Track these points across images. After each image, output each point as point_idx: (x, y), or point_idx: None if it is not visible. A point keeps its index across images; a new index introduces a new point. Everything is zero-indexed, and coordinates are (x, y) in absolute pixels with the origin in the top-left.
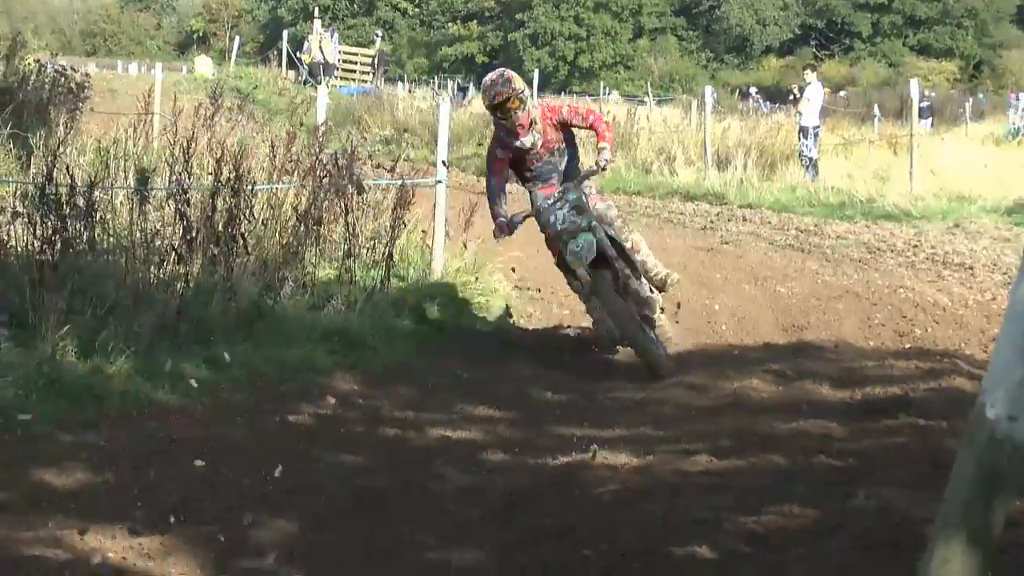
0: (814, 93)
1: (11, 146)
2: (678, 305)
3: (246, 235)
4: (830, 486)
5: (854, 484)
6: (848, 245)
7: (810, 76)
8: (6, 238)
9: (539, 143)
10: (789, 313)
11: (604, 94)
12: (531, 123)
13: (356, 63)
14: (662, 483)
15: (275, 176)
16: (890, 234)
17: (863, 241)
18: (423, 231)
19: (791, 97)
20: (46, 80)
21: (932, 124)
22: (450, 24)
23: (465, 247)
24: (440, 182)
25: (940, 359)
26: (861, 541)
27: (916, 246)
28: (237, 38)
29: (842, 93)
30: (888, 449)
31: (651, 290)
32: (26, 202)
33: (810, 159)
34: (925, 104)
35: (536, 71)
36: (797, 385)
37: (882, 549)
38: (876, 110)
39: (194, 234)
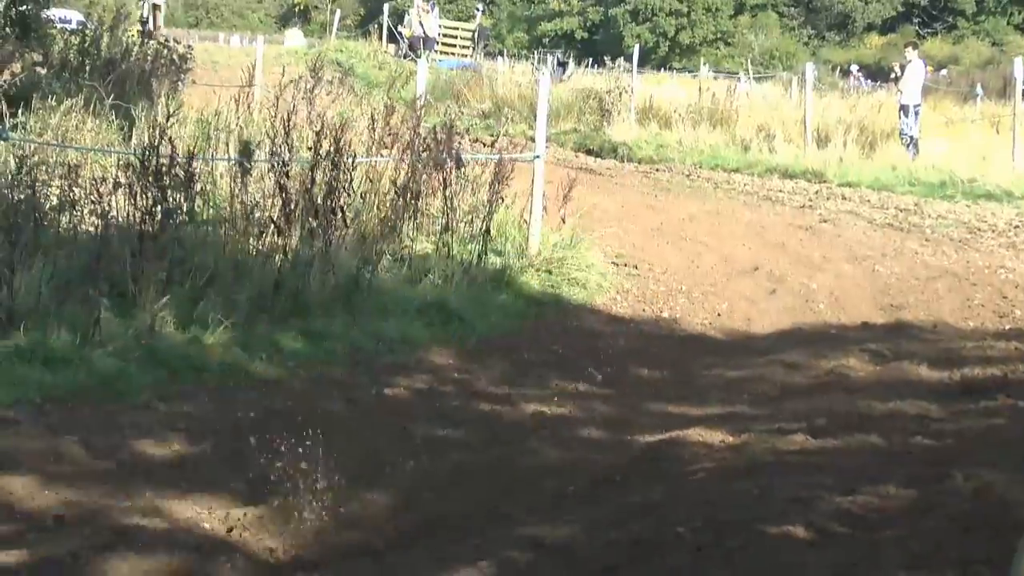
0: (915, 71)
1: (114, 117)
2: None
3: (345, 208)
4: (927, 467)
5: (951, 465)
6: (948, 225)
7: (911, 54)
8: (107, 208)
9: None
10: (887, 293)
11: (703, 72)
12: None
13: (456, 37)
14: (757, 461)
15: (374, 149)
16: (991, 214)
17: (963, 221)
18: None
19: (892, 75)
20: (149, 52)
21: None
22: None
23: (563, 222)
24: (538, 157)
25: None
26: (958, 522)
27: (1017, 227)
28: (338, 11)
29: (943, 72)
30: (986, 431)
31: None
32: (128, 173)
33: (911, 138)
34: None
35: (636, 47)
36: (895, 365)
37: (979, 531)
38: (979, 89)
39: (293, 207)
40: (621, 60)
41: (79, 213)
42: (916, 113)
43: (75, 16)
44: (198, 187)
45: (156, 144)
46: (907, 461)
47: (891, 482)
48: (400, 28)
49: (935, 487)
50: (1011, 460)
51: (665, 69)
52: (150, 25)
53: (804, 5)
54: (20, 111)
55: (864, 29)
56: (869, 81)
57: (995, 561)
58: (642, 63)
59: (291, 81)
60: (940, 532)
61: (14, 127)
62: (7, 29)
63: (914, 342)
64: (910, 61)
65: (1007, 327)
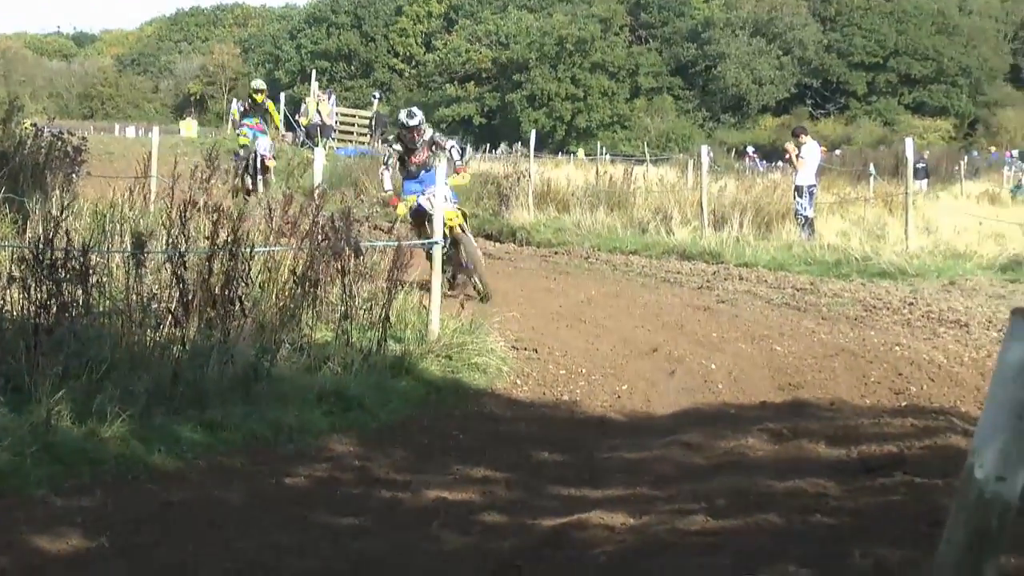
0: (809, 152)
1: (7, 210)
2: (675, 365)
3: (243, 298)
4: (826, 545)
5: (850, 543)
6: (844, 303)
7: (792, 146)
8: (1, 302)
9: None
10: (785, 372)
11: (601, 154)
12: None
13: (353, 125)
14: (658, 543)
15: (272, 239)
16: (886, 292)
17: (859, 299)
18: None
19: (786, 156)
20: (43, 144)
21: (928, 184)
22: (447, 85)
23: (462, 307)
24: (437, 243)
25: (936, 417)
26: None
27: (912, 304)
28: (235, 100)
29: (837, 152)
30: (884, 508)
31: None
32: (22, 266)
33: (806, 218)
34: (921, 165)
35: (533, 131)
36: (793, 444)
37: None
38: (872, 168)
39: (191, 297)
40: (519, 145)
41: None
42: (811, 194)
43: None
44: (94, 280)
45: (51, 237)
46: (806, 540)
47: (790, 561)
48: (297, 116)
49: (834, 565)
50: (909, 537)
51: (562, 152)
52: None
53: (699, 88)
54: None
55: (759, 111)
56: (764, 162)
57: None
58: (540, 147)
59: (190, 171)
60: None
61: None
62: None
63: (812, 420)
64: (797, 149)
65: (903, 404)
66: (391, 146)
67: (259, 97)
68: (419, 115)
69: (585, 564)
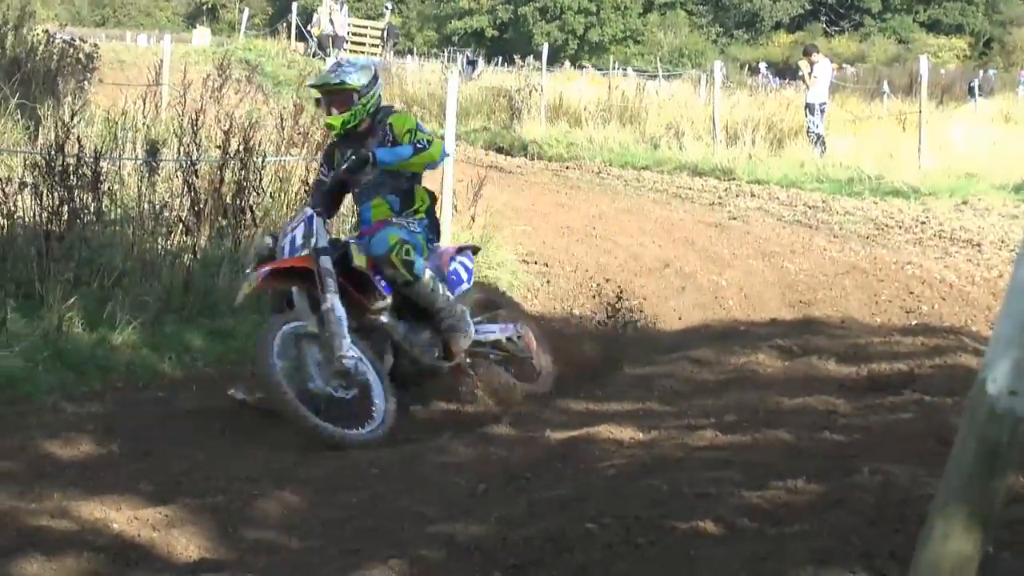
0: (822, 70)
1: (19, 117)
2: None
3: (254, 207)
4: (834, 461)
5: (858, 460)
6: (856, 221)
7: (805, 63)
8: (13, 208)
9: None
10: (796, 289)
11: (614, 69)
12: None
13: (365, 36)
14: (667, 457)
15: (283, 148)
16: (898, 211)
17: (871, 217)
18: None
19: (800, 74)
20: (55, 51)
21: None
22: None
23: (473, 220)
24: (448, 155)
25: (946, 336)
26: (864, 516)
27: (924, 223)
28: (246, 10)
29: (851, 69)
30: (893, 425)
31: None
32: (34, 173)
33: (817, 135)
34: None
35: (545, 45)
36: (803, 361)
37: (884, 524)
38: (885, 87)
39: (202, 206)
40: (531, 58)
41: None
42: (822, 111)
43: None
44: (105, 187)
45: (62, 143)
46: (815, 456)
47: (799, 477)
48: (309, 27)
49: (842, 482)
50: (916, 455)
51: (575, 66)
52: None
53: (713, 3)
54: None
55: (772, 27)
56: (777, 79)
57: (899, 554)
58: (552, 61)
59: (201, 80)
60: (847, 526)
61: None
62: None
63: (822, 338)
64: (810, 68)
65: (913, 323)
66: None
67: None
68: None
69: (593, 477)
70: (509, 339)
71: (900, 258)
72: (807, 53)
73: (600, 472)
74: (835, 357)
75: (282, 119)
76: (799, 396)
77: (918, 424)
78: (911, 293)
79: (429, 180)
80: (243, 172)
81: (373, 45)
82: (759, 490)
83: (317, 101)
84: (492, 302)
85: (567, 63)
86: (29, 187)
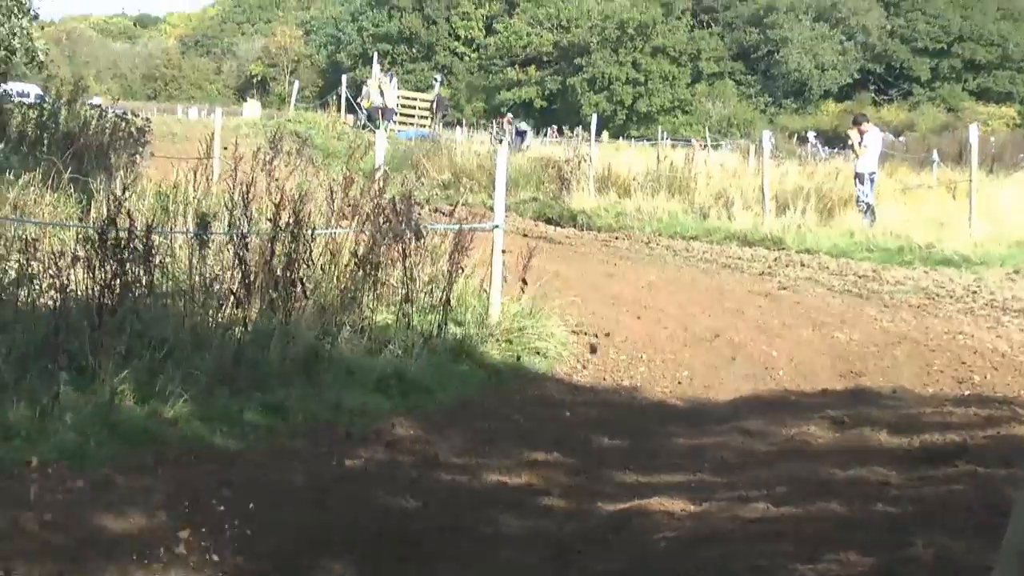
0: (871, 139)
1: (72, 190)
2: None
3: (304, 280)
4: (887, 533)
5: (912, 532)
6: (906, 291)
7: (854, 133)
8: (66, 282)
9: None
10: (847, 359)
11: (661, 139)
12: None
13: (415, 107)
14: (719, 530)
15: (333, 221)
16: (949, 280)
17: (921, 287)
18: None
19: (848, 143)
20: (107, 125)
21: None
22: (508, 69)
23: (523, 291)
24: (497, 226)
25: (999, 406)
26: None
27: (975, 292)
28: (296, 82)
29: (900, 138)
30: (946, 497)
31: None
32: (87, 246)
33: (867, 205)
34: None
35: (594, 115)
36: (855, 432)
37: None
38: (935, 155)
39: (252, 279)
40: (579, 129)
41: (37, 287)
42: (872, 180)
43: (33, 90)
44: (157, 260)
45: (114, 217)
46: (867, 528)
47: (852, 549)
48: (359, 99)
49: (896, 554)
50: (970, 527)
51: (623, 137)
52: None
53: (761, 73)
54: None
55: (821, 96)
56: (826, 148)
57: None
58: (600, 131)
59: (252, 152)
60: None
61: None
62: None
63: (874, 408)
64: (859, 137)
65: (966, 393)
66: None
67: None
68: None
69: (646, 550)
70: None
71: (952, 328)
72: (857, 123)
73: (652, 545)
74: (887, 428)
75: (332, 191)
76: (851, 467)
77: (972, 495)
78: (963, 363)
79: (479, 251)
80: (293, 245)
81: (422, 117)
82: (812, 563)
83: None
84: None
85: (604, 134)
86: (82, 260)
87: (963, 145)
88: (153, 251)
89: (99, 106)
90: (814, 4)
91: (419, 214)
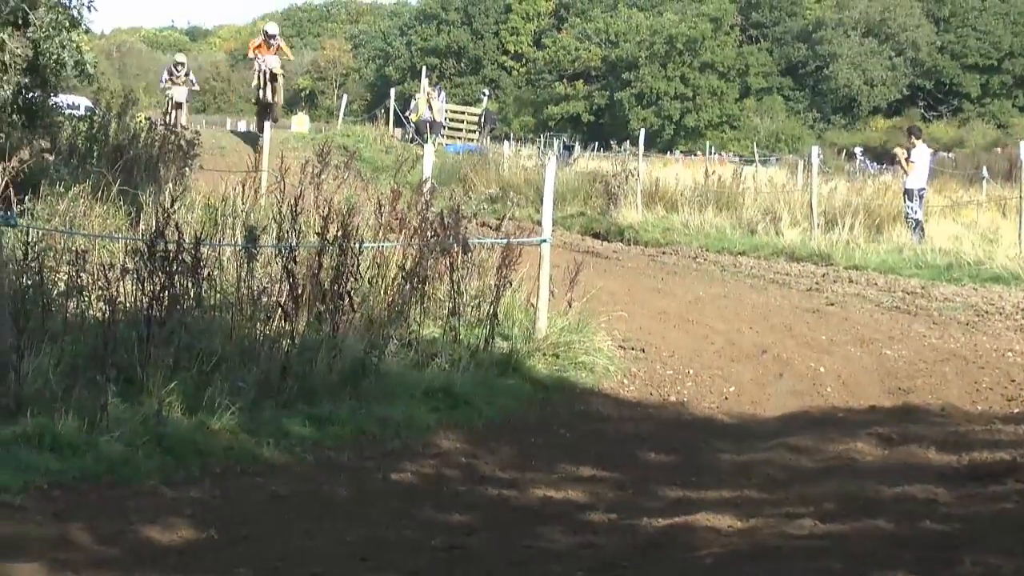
0: (920, 156)
1: (121, 203)
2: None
3: (352, 293)
4: (935, 552)
5: (960, 550)
6: (955, 308)
7: (902, 149)
8: (115, 294)
9: None
10: (895, 376)
11: (710, 154)
12: None
13: (463, 122)
14: (765, 546)
15: (381, 234)
16: (998, 297)
17: (970, 304)
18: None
19: (896, 160)
20: (156, 137)
21: None
22: (556, 83)
23: (570, 305)
24: (545, 241)
25: None
26: None
27: None
28: (345, 96)
29: (950, 155)
30: (995, 515)
31: None
32: (135, 258)
33: (916, 221)
34: None
35: (642, 130)
36: (903, 449)
37: None
38: (984, 172)
39: (300, 291)
40: (627, 143)
41: (87, 299)
42: (920, 197)
43: (83, 102)
44: (205, 272)
45: (163, 229)
46: (916, 546)
47: (900, 567)
48: (407, 113)
49: (944, 572)
50: (1020, 545)
51: (670, 152)
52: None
53: (810, 88)
54: (28, 197)
55: (870, 112)
56: (875, 164)
57: None
58: (648, 146)
59: (300, 166)
60: None
61: (22, 213)
62: (15, 116)
63: (922, 426)
64: (910, 151)
65: (1015, 410)
66: None
67: None
68: None
69: (691, 567)
70: None
71: (1001, 345)
72: (911, 133)
73: (698, 561)
74: (935, 445)
75: (380, 205)
76: (899, 485)
77: (1021, 514)
78: (1012, 380)
79: (527, 265)
80: (341, 258)
81: (470, 131)
82: None
83: None
84: None
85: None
86: (130, 272)
87: (1013, 161)
88: (201, 263)
89: (149, 119)
90: (863, 20)
91: (466, 228)
